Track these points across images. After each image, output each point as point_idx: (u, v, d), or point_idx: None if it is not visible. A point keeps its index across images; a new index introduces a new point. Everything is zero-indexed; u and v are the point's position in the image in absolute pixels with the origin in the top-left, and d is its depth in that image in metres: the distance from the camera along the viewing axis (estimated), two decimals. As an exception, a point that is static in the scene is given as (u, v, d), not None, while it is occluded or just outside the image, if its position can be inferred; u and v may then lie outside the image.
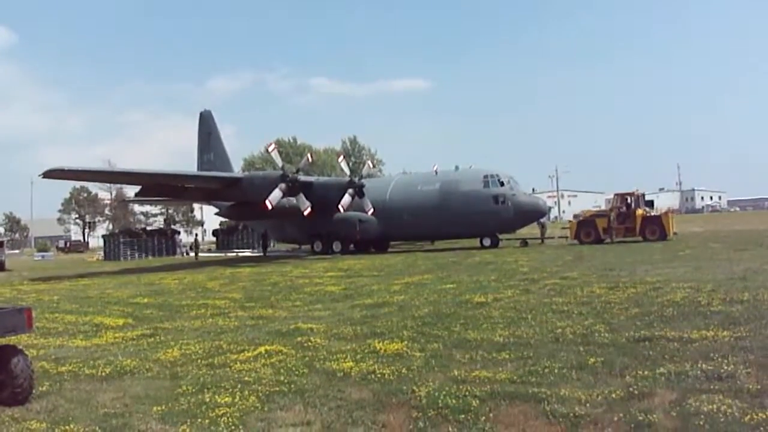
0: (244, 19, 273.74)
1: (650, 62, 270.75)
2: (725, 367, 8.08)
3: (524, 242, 43.33)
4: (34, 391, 8.48)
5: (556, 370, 8.47)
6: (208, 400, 7.97)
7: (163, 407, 7.79)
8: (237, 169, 71.40)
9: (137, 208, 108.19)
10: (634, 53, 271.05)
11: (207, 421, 7.16)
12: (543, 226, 46.88)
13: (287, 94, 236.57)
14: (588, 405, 6.97)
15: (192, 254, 54.56)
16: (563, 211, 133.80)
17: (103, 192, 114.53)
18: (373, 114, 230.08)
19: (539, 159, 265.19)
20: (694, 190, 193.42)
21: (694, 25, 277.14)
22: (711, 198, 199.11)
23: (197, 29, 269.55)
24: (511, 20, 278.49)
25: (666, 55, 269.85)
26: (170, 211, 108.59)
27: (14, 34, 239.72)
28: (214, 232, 72.28)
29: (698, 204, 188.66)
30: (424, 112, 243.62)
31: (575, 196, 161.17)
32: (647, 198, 44.88)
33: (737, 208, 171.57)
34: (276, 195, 39.01)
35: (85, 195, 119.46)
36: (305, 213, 40.61)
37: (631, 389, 7.42)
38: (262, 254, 52.22)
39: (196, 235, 69.64)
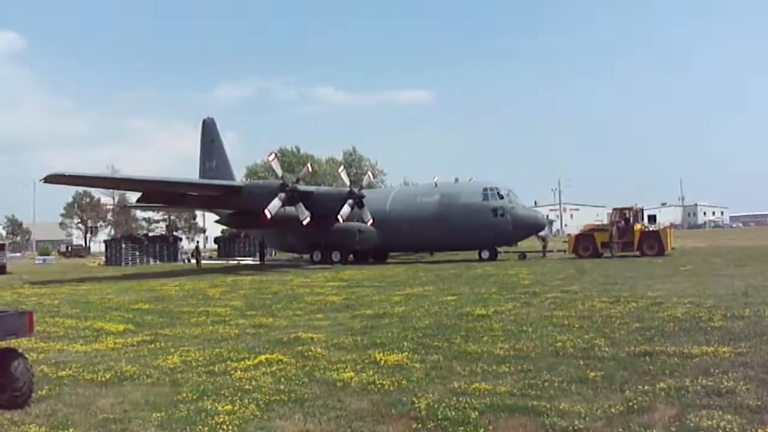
0: (250, 28, 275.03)
1: (653, 76, 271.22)
2: (725, 383, 8.07)
3: (522, 255, 43.24)
4: (33, 395, 8.47)
5: (556, 384, 8.46)
6: (207, 407, 7.96)
7: (163, 414, 7.79)
8: (240, 177, 71.51)
9: (139, 213, 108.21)
10: (637, 66, 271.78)
11: (206, 428, 7.16)
12: (544, 240, 46.81)
13: (292, 103, 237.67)
14: (587, 419, 6.96)
15: (194, 261, 54.44)
16: (565, 225, 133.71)
17: (106, 197, 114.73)
18: (377, 124, 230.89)
19: (542, 172, 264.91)
20: (696, 205, 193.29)
21: (698, 39, 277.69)
22: (713, 213, 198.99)
23: (204, 37, 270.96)
24: (514, 34, 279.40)
25: (670, 69, 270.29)
26: (172, 218, 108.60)
27: (23, 38, 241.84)
28: (216, 240, 72.35)
29: (700, 219, 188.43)
30: (427, 123, 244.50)
31: (577, 209, 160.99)
32: (649, 213, 44.84)
33: (739, 224, 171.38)
34: (275, 204, 39.14)
35: (88, 200, 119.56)
36: (304, 223, 40.71)
37: (630, 404, 7.41)
38: (259, 262, 52.39)
39: (198, 242, 69.60)
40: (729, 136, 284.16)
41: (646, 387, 8.11)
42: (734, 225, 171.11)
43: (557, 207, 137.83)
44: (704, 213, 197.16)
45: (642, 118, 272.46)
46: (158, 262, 60.46)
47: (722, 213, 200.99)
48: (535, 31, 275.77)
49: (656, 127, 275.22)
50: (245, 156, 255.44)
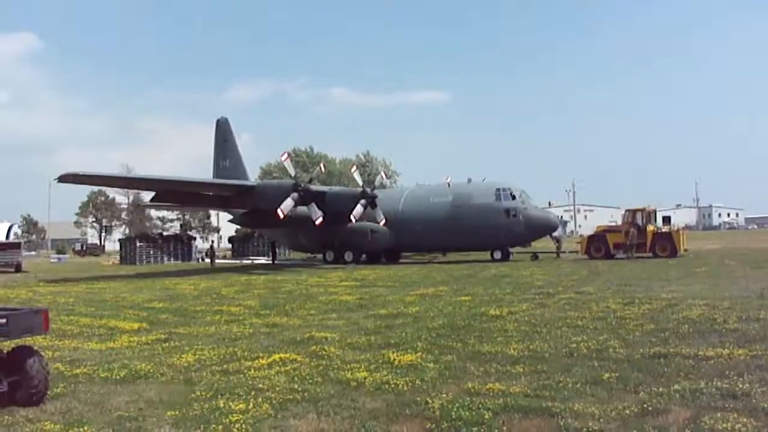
0: (265, 29, 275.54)
1: (669, 77, 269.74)
2: (740, 386, 8.02)
3: (535, 256, 43.17)
4: (48, 393, 8.52)
5: (570, 385, 8.44)
6: (221, 406, 7.98)
7: (177, 412, 7.82)
8: (254, 177, 71.61)
9: (154, 213, 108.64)
10: (653, 67, 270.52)
11: (220, 427, 7.18)
12: (558, 240, 46.69)
13: (306, 103, 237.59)
14: (602, 420, 6.93)
15: (208, 260, 54.43)
16: (579, 226, 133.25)
17: (121, 196, 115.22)
18: (391, 125, 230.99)
19: (556, 173, 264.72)
20: (711, 206, 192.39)
21: (712, 41, 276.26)
22: (728, 215, 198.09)
23: (219, 39, 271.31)
24: (529, 35, 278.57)
25: (685, 70, 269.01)
26: (187, 217, 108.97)
27: (41, 40, 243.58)
28: (230, 239, 72.55)
29: (715, 221, 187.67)
30: (442, 124, 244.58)
31: (592, 210, 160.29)
32: (664, 214, 44.59)
33: (755, 226, 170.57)
34: (288, 204, 39.32)
35: (103, 199, 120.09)
36: (317, 222, 40.82)
37: (645, 405, 7.38)
38: (271, 262, 52.62)
39: (212, 241, 69.68)
40: (745, 138, 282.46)
41: (660, 389, 8.08)
42: (749, 227, 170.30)
43: (571, 208, 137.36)
44: (719, 215, 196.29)
45: (657, 119, 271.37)
46: (172, 261, 60.74)
47: (737, 215, 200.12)
48: (550, 33, 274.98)
49: (671, 128, 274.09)
50: (260, 156, 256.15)
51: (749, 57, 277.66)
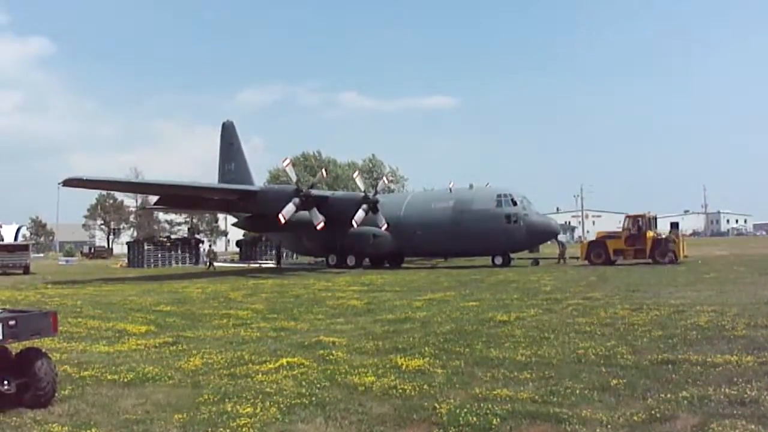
0: (275, 33, 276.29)
1: (677, 82, 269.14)
2: (749, 392, 7.99)
3: (535, 262, 43.13)
4: (56, 395, 8.55)
5: (577, 391, 8.42)
6: (229, 409, 7.99)
7: (185, 415, 7.82)
8: (262, 181, 71.74)
9: (161, 216, 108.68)
10: (661, 72, 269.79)
11: (228, 430, 7.19)
12: (563, 246, 46.63)
13: (316, 108, 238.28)
14: (609, 427, 6.92)
15: (215, 263, 53.27)
16: (587, 231, 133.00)
17: (129, 199, 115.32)
18: (399, 130, 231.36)
19: (564, 178, 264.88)
20: (719, 212, 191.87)
21: (720, 44, 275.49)
22: (736, 221, 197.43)
23: (230, 42, 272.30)
24: (538, 41, 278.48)
25: (693, 75, 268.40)
26: (194, 220, 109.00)
27: (53, 44, 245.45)
28: (238, 243, 72.62)
29: (723, 227, 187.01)
30: (450, 129, 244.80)
31: (599, 216, 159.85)
32: (672, 220, 44.51)
33: (763, 232, 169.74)
34: (289, 209, 39.85)
35: (111, 202, 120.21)
36: (318, 227, 41.13)
37: (653, 412, 7.35)
38: (276, 266, 52.79)
39: (210, 243, 69.48)
40: (753, 144, 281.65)
41: (668, 395, 8.05)
42: (758, 233, 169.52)
43: (579, 213, 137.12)
44: (727, 221, 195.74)
45: (665, 124, 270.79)
46: (180, 265, 60.87)
47: (746, 221, 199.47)
48: (557, 39, 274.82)
49: (680, 134, 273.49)
50: (269, 160, 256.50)
51: (758, 60, 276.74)
